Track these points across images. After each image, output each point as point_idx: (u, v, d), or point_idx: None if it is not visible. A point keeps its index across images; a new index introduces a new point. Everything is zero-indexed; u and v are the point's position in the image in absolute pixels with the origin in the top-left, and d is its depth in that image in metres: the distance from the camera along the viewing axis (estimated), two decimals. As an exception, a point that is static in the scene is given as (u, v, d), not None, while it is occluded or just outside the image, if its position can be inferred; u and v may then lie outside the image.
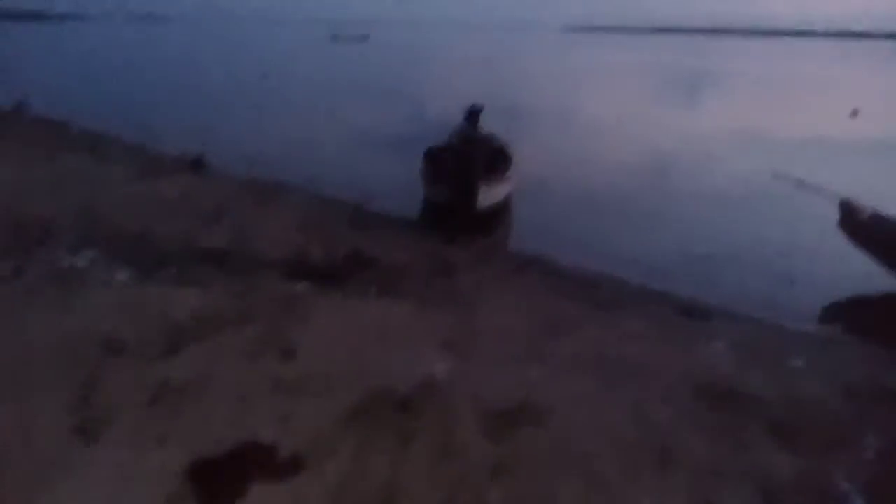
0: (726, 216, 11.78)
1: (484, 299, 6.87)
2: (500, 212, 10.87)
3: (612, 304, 7.15)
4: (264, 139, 18.31)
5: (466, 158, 10.29)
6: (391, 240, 8.85)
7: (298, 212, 9.83)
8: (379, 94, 31.66)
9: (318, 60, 57.59)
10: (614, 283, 8.22)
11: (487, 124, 14.04)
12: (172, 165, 13.36)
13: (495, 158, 11.59)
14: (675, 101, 33.70)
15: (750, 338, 6.65)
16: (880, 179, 14.44)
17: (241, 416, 4.67)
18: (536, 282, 7.70)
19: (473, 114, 13.16)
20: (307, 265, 7.14)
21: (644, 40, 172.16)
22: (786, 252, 9.89)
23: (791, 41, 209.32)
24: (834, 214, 9.23)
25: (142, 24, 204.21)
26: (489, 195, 10.10)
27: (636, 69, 52.84)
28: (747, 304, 8.05)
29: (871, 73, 59.40)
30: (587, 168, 15.85)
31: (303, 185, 12.66)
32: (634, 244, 10.12)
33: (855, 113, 26.70)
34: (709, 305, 7.68)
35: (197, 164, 13.95)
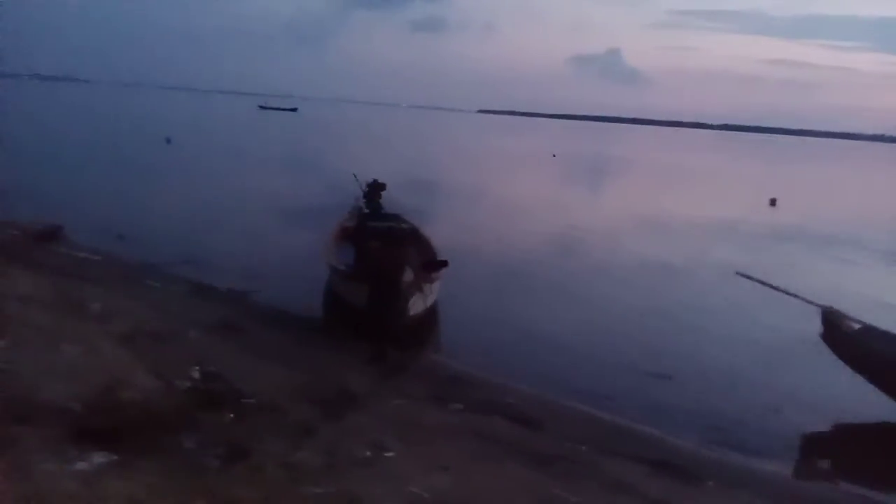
0: (674, 321, 10.20)
1: (387, 467, 4.57)
2: (430, 317, 8.88)
3: (562, 460, 5.10)
4: (146, 210, 15.82)
5: (395, 250, 8.16)
6: (271, 355, 6.53)
7: (142, 310, 7.22)
8: (294, 163, 30.06)
9: (236, 128, 55.69)
10: (556, 416, 6.26)
11: (400, 198, 12.56)
12: (13, 236, 10.71)
13: (422, 248, 9.83)
14: (585, 184, 33.71)
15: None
16: (800, 262, 15.04)
17: None
18: (459, 423, 5.56)
19: (374, 189, 11.28)
20: (113, 414, 4.46)
21: (552, 125, 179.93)
22: (754, 364, 8.43)
23: (688, 132, 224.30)
24: (805, 321, 7.94)
25: (53, 84, 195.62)
26: (426, 299, 8.17)
27: (544, 152, 53.14)
28: (723, 438, 6.38)
29: (776, 166, 62.43)
30: (499, 246, 14.55)
31: (174, 267, 10.47)
32: (567, 350, 8.55)
33: (773, 202, 26.82)
34: (693, 454, 5.79)
35: (47, 236, 11.41)
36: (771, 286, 8.26)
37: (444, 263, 7.94)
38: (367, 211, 11.35)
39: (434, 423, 5.38)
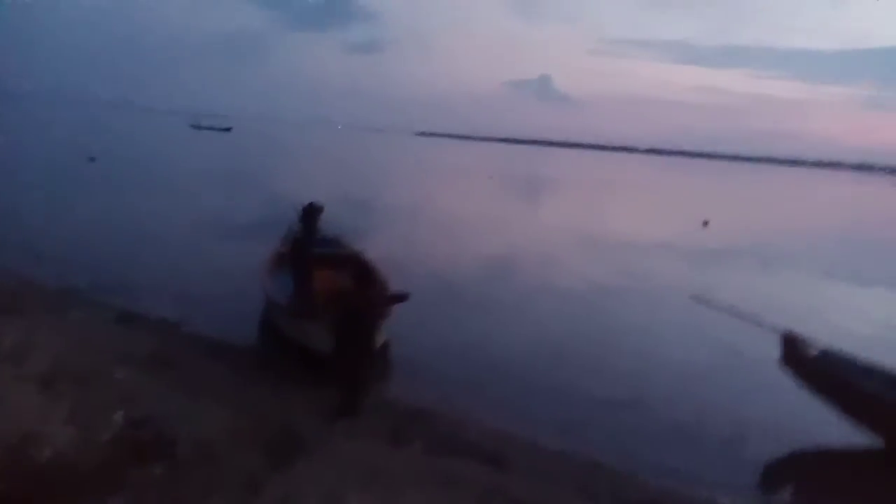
0: (633, 350, 9.98)
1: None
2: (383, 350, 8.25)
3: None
4: (67, 231, 14.72)
5: (367, 291, 6.91)
6: (207, 393, 5.86)
7: (63, 345, 6.40)
8: (226, 183, 28.95)
9: (166, 147, 53.70)
10: (522, 453, 5.85)
11: (338, 220, 11.91)
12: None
13: (365, 274, 9.28)
14: (522, 205, 33.95)
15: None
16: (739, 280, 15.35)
17: None
18: (423, 466, 5.05)
19: (311, 213, 10.32)
20: (24, 479, 3.68)
21: (488, 147, 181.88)
22: (714, 390, 8.23)
23: (617, 155, 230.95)
24: (762, 345, 7.85)
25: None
26: (382, 333, 7.51)
27: (480, 173, 53.38)
28: (690, 470, 6.15)
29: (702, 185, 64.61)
30: (442, 267, 14.19)
31: (98, 292, 9.62)
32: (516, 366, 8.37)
33: (706, 223, 27.43)
34: (665, 491, 5.46)
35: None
36: (727, 311, 8.14)
37: (405, 297, 7.26)
38: (302, 235, 10.46)
39: (395, 468, 4.86)
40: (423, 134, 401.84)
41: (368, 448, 5.24)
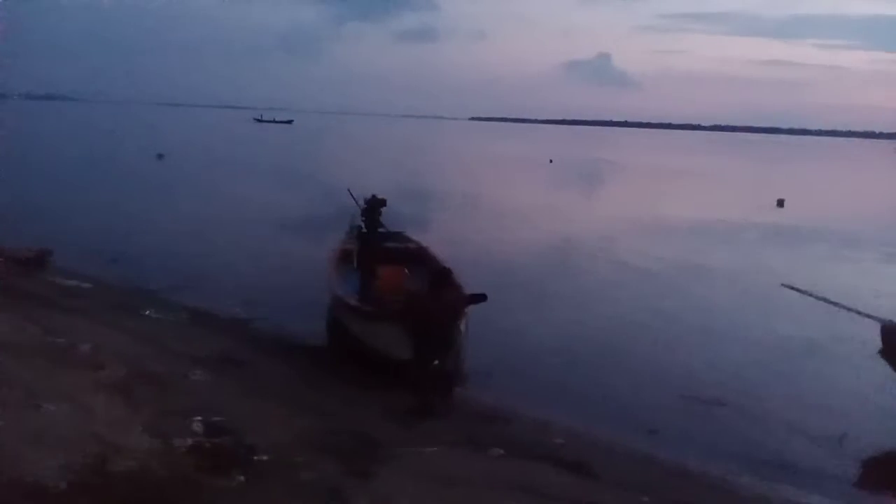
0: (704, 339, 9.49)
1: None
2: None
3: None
4: (139, 231, 15.07)
5: (446, 295, 6.61)
6: (280, 396, 5.79)
7: (138, 347, 6.45)
8: (291, 177, 29.40)
9: (231, 142, 54.98)
10: (608, 458, 5.57)
11: (400, 212, 11.79)
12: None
13: (432, 268, 9.14)
14: (588, 190, 33.24)
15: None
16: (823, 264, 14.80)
17: None
18: (506, 475, 4.83)
19: (374, 206, 10.06)
20: (105, 493, 3.54)
21: (545, 130, 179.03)
22: (808, 385, 7.68)
23: (679, 133, 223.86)
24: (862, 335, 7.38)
25: (44, 103, 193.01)
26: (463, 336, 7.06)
27: (540, 157, 52.22)
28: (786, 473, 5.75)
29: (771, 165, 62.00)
30: (510, 260, 13.79)
31: (170, 292, 9.84)
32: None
33: (781, 203, 26.25)
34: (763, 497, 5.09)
35: (34, 263, 10.71)
36: (821, 299, 7.62)
37: (483, 298, 6.87)
38: (366, 230, 10.25)
39: (478, 477, 4.66)
40: (477, 119, 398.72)
41: (447, 454, 5.06)
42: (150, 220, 16.69)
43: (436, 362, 5.96)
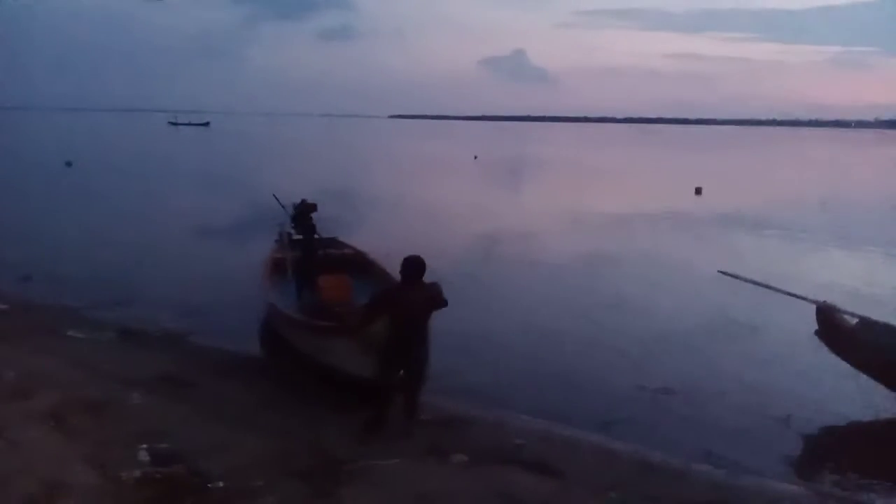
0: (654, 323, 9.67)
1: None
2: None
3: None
4: (52, 244, 14.09)
5: (418, 292, 5.67)
6: (230, 416, 5.46)
7: (68, 371, 5.95)
8: (210, 181, 28.33)
9: (145, 146, 52.64)
10: (573, 456, 5.54)
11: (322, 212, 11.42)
12: None
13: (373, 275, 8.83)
14: (515, 186, 33.48)
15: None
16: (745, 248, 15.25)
17: None
18: (474, 482, 4.70)
19: (304, 211, 9.55)
20: None
21: (464, 127, 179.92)
22: (752, 369, 7.96)
23: (596, 126, 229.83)
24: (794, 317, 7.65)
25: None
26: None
27: (464, 155, 52.43)
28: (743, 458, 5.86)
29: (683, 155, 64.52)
30: (449, 259, 13.47)
31: (95, 310, 9.29)
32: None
33: (699, 191, 27.21)
34: (726, 484, 5.17)
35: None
36: (757, 283, 7.85)
37: (444, 303, 5.78)
38: (300, 236, 9.74)
39: (445, 486, 4.52)
40: (396, 116, 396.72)
41: (411, 466, 4.88)
42: (63, 232, 15.63)
43: (400, 373, 5.59)
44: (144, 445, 4.51)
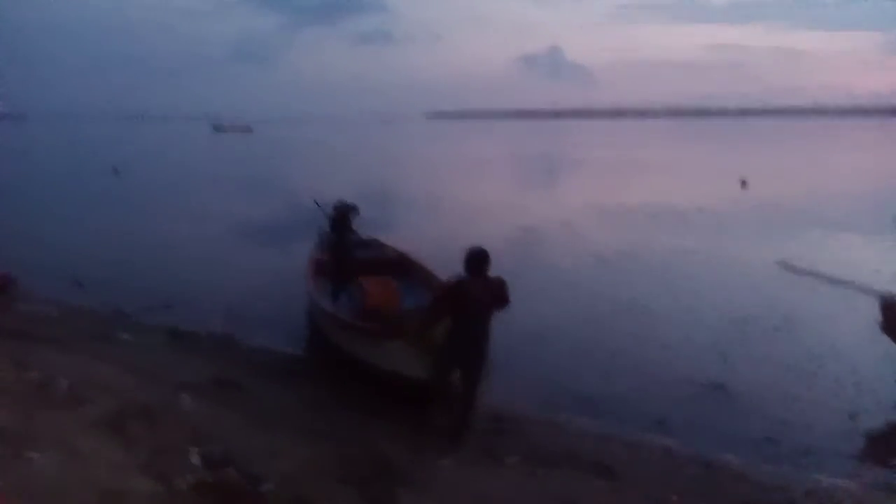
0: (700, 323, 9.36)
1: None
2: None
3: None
4: (101, 249, 14.39)
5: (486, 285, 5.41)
6: (281, 420, 5.43)
7: (120, 377, 5.98)
8: (254, 185, 28.73)
9: (189, 152, 53.75)
10: (628, 456, 5.37)
11: (372, 218, 11.41)
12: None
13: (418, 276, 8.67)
14: (559, 184, 33.04)
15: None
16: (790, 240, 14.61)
17: None
18: (531, 484, 4.58)
19: (343, 213, 9.35)
20: None
21: (502, 125, 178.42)
22: (815, 365, 7.64)
23: (634, 122, 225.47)
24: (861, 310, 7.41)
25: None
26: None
27: (502, 151, 51.98)
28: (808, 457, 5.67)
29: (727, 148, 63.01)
30: (500, 256, 13.35)
31: (144, 313, 9.47)
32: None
33: (744, 183, 26.54)
34: (788, 483, 4.96)
35: (-6, 288, 10.13)
36: (818, 275, 7.58)
37: (507, 302, 5.67)
38: (339, 238, 9.58)
39: (503, 491, 4.41)
40: (433, 116, 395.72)
41: (464, 468, 4.78)
42: (112, 238, 15.93)
43: (457, 372, 5.38)
44: (196, 449, 4.49)
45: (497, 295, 5.33)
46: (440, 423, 5.43)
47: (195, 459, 4.42)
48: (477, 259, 5.28)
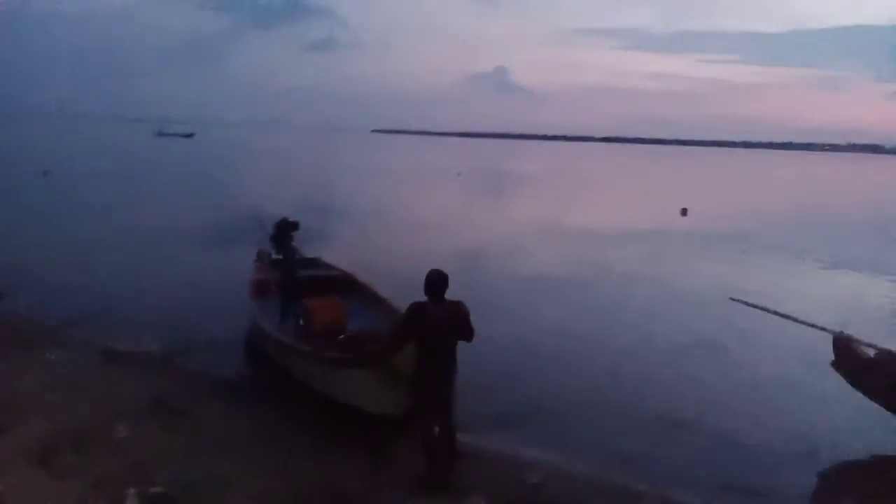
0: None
1: None
2: None
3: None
4: (24, 258, 13.34)
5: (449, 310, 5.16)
6: (230, 449, 5.04)
7: (50, 399, 5.47)
8: (191, 192, 27.77)
9: (124, 156, 51.77)
10: (593, 496, 5.22)
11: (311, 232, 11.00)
12: None
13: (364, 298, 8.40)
14: (503, 202, 33.20)
15: None
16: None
17: None
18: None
19: (285, 230, 9.01)
20: None
21: (445, 142, 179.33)
22: (770, 402, 7.77)
23: (575, 145, 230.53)
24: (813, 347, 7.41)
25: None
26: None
27: (447, 170, 52.00)
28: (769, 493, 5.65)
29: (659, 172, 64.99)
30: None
31: (74, 328, 8.78)
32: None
33: (685, 212, 27.19)
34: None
35: None
36: (771, 311, 7.62)
37: (471, 334, 5.43)
38: (282, 257, 9.19)
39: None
40: (379, 131, 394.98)
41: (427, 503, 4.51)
42: (38, 245, 14.79)
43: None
44: (133, 490, 4.07)
45: (460, 324, 5.12)
46: (422, 470, 5.07)
47: (132, 497, 4.02)
48: (436, 282, 5.08)
